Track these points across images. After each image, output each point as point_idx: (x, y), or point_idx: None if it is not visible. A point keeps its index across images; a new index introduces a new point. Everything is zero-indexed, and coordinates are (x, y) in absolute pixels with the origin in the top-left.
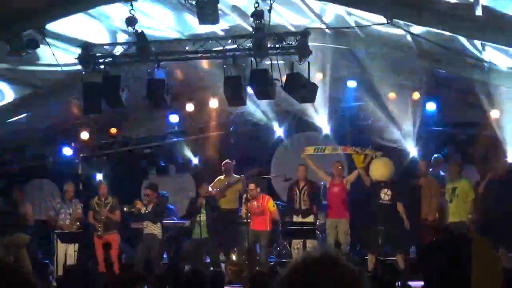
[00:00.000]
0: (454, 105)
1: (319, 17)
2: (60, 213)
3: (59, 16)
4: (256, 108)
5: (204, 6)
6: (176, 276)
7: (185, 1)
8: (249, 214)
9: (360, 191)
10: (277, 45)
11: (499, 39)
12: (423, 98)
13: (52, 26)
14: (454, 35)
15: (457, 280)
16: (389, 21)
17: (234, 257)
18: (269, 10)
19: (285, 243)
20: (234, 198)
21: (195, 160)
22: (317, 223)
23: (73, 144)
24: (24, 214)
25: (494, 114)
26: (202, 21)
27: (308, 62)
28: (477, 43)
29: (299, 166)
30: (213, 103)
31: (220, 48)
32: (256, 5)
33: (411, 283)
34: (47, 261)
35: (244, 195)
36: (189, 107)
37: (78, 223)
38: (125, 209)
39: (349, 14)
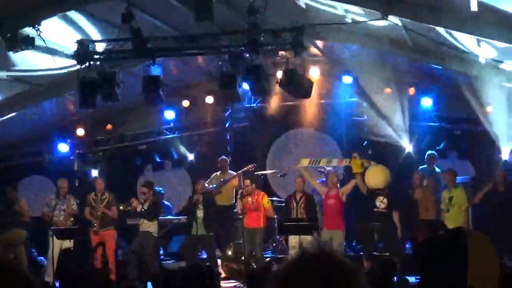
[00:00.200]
0: (449, 101)
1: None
2: (55, 209)
3: (54, 13)
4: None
5: (200, 3)
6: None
7: None
8: (243, 210)
9: (355, 198)
10: (272, 41)
11: (493, 34)
12: (419, 94)
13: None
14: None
15: (454, 274)
16: (384, 16)
17: (229, 253)
18: (265, 7)
19: (281, 239)
20: (230, 195)
21: (191, 156)
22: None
23: (69, 141)
24: (20, 211)
25: (488, 109)
26: (198, 17)
27: (304, 58)
28: (469, 38)
29: (296, 178)
30: (209, 99)
31: (216, 44)
32: (252, 1)
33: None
34: (41, 258)
35: (240, 191)
36: (185, 103)
37: (72, 219)
38: (121, 207)
39: (346, 11)
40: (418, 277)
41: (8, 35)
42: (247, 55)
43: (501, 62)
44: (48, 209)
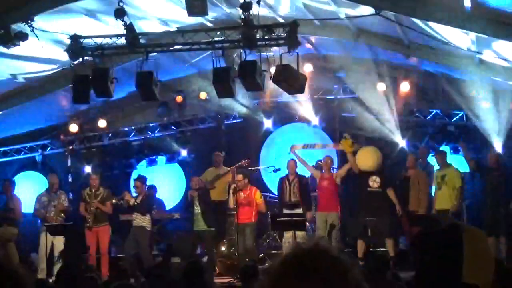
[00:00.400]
0: (441, 96)
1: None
2: (46, 206)
3: (47, 7)
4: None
5: None
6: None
7: None
8: (235, 206)
9: (348, 179)
10: (266, 37)
11: (486, 31)
12: (412, 89)
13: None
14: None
15: (449, 270)
16: (377, 12)
17: (223, 249)
18: (258, 2)
19: (275, 234)
20: (224, 190)
21: (184, 152)
22: (312, 216)
23: (62, 137)
24: (12, 208)
25: (483, 105)
26: (191, 12)
27: (297, 54)
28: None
29: (289, 161)
30: (202, 95)
31: (209, 40)
32: None
33: (401, 273)
34: (34, 254)
35: (232, 186)
36: (178, 98)
37: (62, 214)
38: (113, 201)
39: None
40: (413, 273)
41: (1, 31)
42: (241, 51)
43: (481, 53)
44: (39, 205)
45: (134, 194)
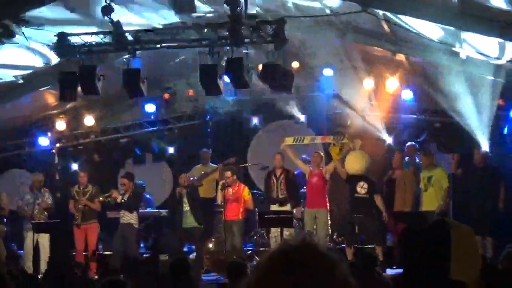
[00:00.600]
0: (430, 93)
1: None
2: (29, 203)
3: (35, 5)
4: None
5: None
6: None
7: None
8: (222, 203)
9: (335, 184)
10: (253, 34)
11: (475, 28)
12: (400, 86)
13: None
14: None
15: (437, 266)
16: (364, 9)
17: (211, 246)
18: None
19: (262, 231)
20: (211, 187)
21: (171, 149)
22: (300, 211)
23: (49, 134)
24: (0, 204)
25: (469, 102)
26: (178, 10)
27: (284, 51)
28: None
29: (275, 154)
30: (190, 92)
31: (196, 37)
32: None
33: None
34: (22, 251)
35: (221, 182)
36: (165, 96)
37: (46, 213)
38: (101, 198)
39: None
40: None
41: None
42: (228, 48)
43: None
44: (23, 203)
45: (122, 192)
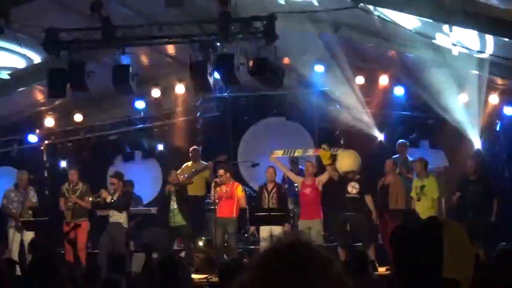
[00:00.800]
0: (422, 90)
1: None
2: (13, 202)
3: (22, 2)
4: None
5: None
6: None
7: None
8: (217, 201)
9: (328, 186)
10: (243, 30)
11: (467, 23)
12: (391, 83)
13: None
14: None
15: (429, 264)
16: (355, 4)
17: (201, 244)
18: None
19: (253, 230)
20: (201, 185)
21: (161, 147)
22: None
23: (37, 131)
24: None
25: (461, 98)
26: (168, 4)
27: (275, 47)
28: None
29: (268, 168)
30: (179, 89)
31: (186, 33)
32: None
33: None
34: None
35: (214, 180)
36: (155, 92)
37: (30, 212)
38: (90, 198)
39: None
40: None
41: None
42: (218, 44)
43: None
44: (7, 201)
45: (111, 191)
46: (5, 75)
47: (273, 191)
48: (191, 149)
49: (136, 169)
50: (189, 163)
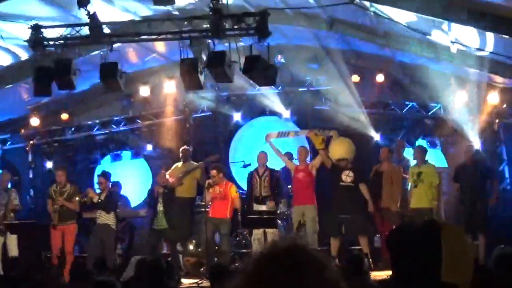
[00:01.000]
0: (419, 88)
1: None
2: None
3: None
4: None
5: None
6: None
7: None
8: (209, 202)
9: (321, 175)
10: (235, 26)
11: (464, 20)
12: (387, 81)
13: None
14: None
15: (427, 268)
16: (351, 0)
17: (191, 248)
18: None
19: (245, 232)
20: (192, 186)
21: (150, 147)
22: (278, 211)
23: (23, 131)
24: None
25: (460, 97)
26: (156, 2)
27: (268, 44)
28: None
29: (259, 153)
30: (169, 87)
31: (176, 29)
32: None
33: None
34: None
35: (207, 181)
36: (144, 91)
37: (12, 214)
38: (76, 198)
39: None
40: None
41: None
42: (209, 41)
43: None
44: None
45: (98, 191)
46: None
47: (265, 174)
48: (181, 149)
49: (124, 170)
50: (179, 164)
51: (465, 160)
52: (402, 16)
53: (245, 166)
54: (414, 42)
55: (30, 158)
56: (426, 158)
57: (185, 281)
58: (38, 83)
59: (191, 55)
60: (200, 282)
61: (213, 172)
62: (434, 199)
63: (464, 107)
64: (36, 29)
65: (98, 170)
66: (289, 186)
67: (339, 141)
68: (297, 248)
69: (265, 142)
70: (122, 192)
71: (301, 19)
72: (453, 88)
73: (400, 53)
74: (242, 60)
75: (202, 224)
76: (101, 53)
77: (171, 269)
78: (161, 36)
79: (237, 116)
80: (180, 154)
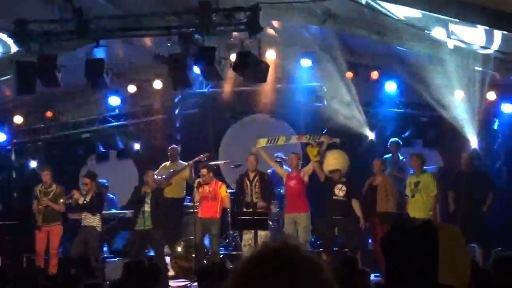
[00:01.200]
0: (415, 86)
1: None
2: None
3: None
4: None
5: None
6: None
7: None
8: (197, 203)
9: (314, 187)
10: (225, 22)
11: (465, 15)
12: (382, 78)
13: None
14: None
15: (424, 270)
16: None
17: (179, 250)
18: None
19: (235, 234)
20: (180, 187)
21: (137, 146)
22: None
23: (5, 129)
24: None
25: (457, 95)
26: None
27: (259, 40)
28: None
29: (249, 156)
30: (157, 84)
31: (165, 24)
32: None
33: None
34: None
35: (196, 181)
36: (131, 88)
37: None
38: (61, 200)
39: None
40: (378, 274)
41: None
42: (198, 36)
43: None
44: None
45: (84, 192)
46: None
47: (256, 179)
48: (169, 148)
49: (110, 170)
50: (167, 163)
51: (464, 169)
52: (400, 12)
53: (236, 166)
54: (411, 38)
55: (13, 158)
56: (424, 167)
57: (173, 284)
58: (20, 81)
59: (179, 51)
60: (189, 284)
61: (203, 171)
62: (431, 209)
63: (462, 105)
64: (20, 23)
65: (83, 170)
66: (281, 191)
67: (332, 153)
68: (288, 248)
69: (253, 150)
70: (109, 192)
71: (294, 13)
72: (450, 85)
73: (396, 49)
74: (233, 56)
75: (191, 225)
76: (87, 48)
77: (157, 271)
78: (149, 32)
79: (227, 114)
80: (168, 153)
